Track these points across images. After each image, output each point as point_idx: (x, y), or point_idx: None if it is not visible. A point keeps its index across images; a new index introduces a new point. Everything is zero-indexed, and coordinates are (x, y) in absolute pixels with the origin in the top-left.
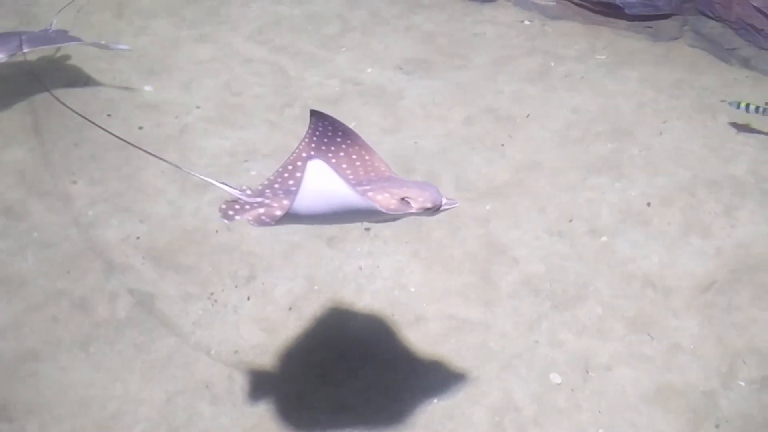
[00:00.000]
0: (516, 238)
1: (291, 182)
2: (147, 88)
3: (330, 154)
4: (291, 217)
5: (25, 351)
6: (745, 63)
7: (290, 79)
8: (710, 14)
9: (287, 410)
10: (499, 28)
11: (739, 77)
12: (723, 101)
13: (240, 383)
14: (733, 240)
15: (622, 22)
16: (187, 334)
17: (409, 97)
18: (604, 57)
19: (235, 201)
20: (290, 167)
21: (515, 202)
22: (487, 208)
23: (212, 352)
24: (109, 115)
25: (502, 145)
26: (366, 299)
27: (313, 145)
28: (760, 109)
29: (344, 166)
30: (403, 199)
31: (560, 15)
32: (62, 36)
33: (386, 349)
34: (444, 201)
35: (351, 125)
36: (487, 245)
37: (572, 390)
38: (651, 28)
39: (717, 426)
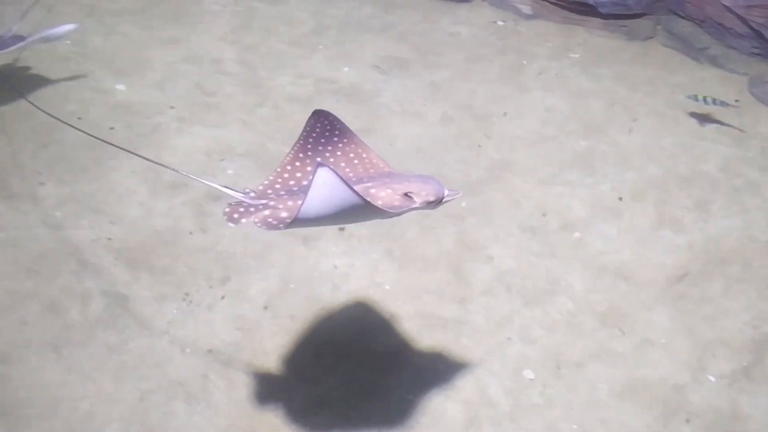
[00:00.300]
0: (490, 235)
1: (292, 182)
2: (119, 87)
3: (327, 153)
4: (299, 221)
5: None
6: (714, 61)
7: (263, 78)
8: (681, 14)
9: (263, 409)
10: (474, 28)
11: (708, 75)
12: (687, 97)
13: (215, 382)
14: (705, 234)
15: (597, 22)
16: (160, 334)
17: (384, 95)
18: (578, 56)
19: (240, 204)
20: (289, 167)
21: (490, 199)
22: (462, 205)
23: (187, 350)
24: (79, 118)
25: (479, 145)
26: (341, 298)
27: (309, 145)
28: (717, 101)
29: (342, 164)
30: (406, 194)
31: (535, 14)
32: (8, 41)
33: (362, 346)
34: (446, 192)
35: None
36: (460, 243)
37: (545, 386)
38: (626, 27)
39: (687, 420)
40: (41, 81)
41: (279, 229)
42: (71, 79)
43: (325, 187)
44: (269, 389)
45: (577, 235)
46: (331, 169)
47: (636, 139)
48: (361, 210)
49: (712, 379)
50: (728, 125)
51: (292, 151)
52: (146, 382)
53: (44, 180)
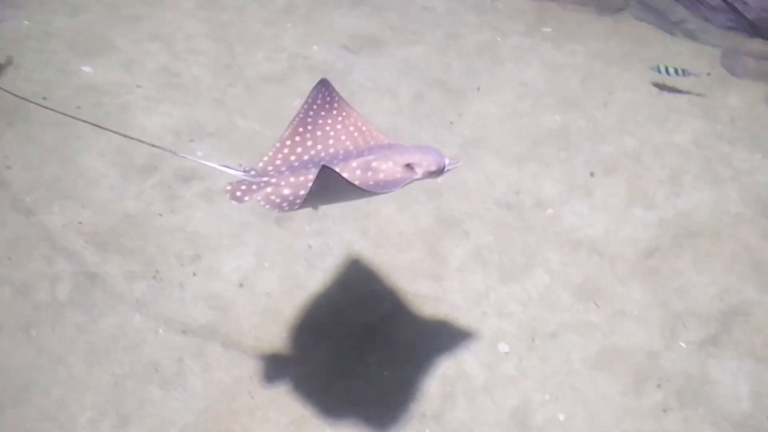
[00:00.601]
0: (466, 210)
1: (293, 158)
2: (85, 68)
3: (327, 127)
4: (302, 205)
5: None
6: (690, 35)
7: (234, 56)
8: None
9: (239, 391)
10: (449, 3)
11: (683, 48)
12: (651, 69)
13: (190, 365)
14: (676, 208)
15: None
16: (131, 313)
17: (357, 73)
18: (550, 30)
19: (241, 182)
20: (289, 142)
21: (466, 175)
22: (438, 181)
23: (159, 331)
24: (44, 98)
25: (451, 123)
26: (318, 276)
27: (309, 118)
28: (679, 71)
29: (343, 137)
30: (407, 165)
31: None
32: None
33: (339, 324)
34: (447, 162)
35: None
36: (437, 219)
37: (519, 358)
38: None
39: (658, 385)
40: (1, 61)
41: (283, 209)
42: (35, 60)
43: (328, 185)
44: (245, 372)
45: (550, 211)
46: (331, 168)
47: (611, 113)
48: (365, 194)
49: (684, 345)
50: (689, 93)
51: (292, 126)
52: (119, 366)
53: (10, 164)
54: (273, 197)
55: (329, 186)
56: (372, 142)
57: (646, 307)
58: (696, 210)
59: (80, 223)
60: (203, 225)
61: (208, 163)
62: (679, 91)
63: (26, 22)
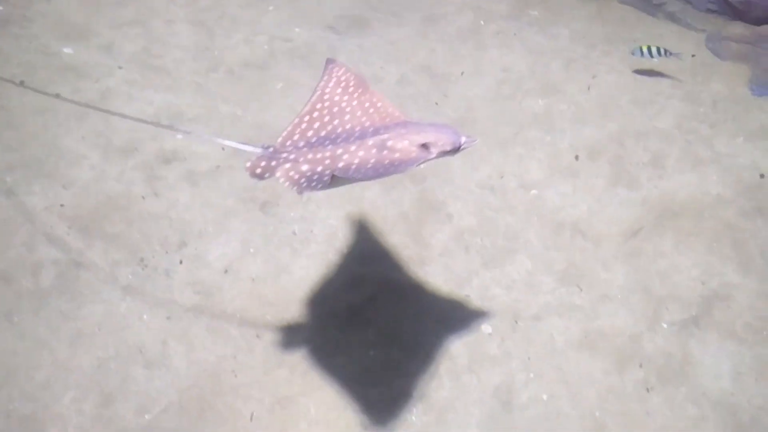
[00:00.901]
0: (449, 193)
1: (310, 133)
2: (66, 50)
3: (344, 104)
4: (322, 188)
5: None
6: (672, 17)
7: (215, 40)
8: None
9: (223, 370)
10: None
11: (666, 32)
12: (632, 52)
13: (174, 346)
14: (659, 189)
15: None
16: (117, 301)
17: (340, 56)
18: (536, 13)
19: (260, 159)
20: (307, 117)
21: (450, 159)
22: (422, 166)
23: (144, 317)
24: (22, 81)
25: (436, 103)
26: (302, 261)
27: (326, 95)
28: (661, 51)
29: (359, 113)
30: (422, 144)
31: None
32: None
33: (324, 307)
34: (463, 140)
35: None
36: (421, 202)
37: (502, 339)
38: None
39: (640, 365)
40: None
41: (301, 188)
42: (13, 42)
43: (342, 181)
44: (229, 351)
45: (534, 192)
46: (346, 169)
47: (594, 96)
48: (380, 176)
49: (665, 326)
50: (672, 78)
51: (309, 102)
52: (103, 349)
53: (11, 160)
54: (292, 173)
55: (344, 181)
56: (387, 120)
57: (629, 291)
58: (678, 191)
59: (62, 205)
60: (187, 210)
61: (228, 142)
62: (662, 75)
63: (1, 8)
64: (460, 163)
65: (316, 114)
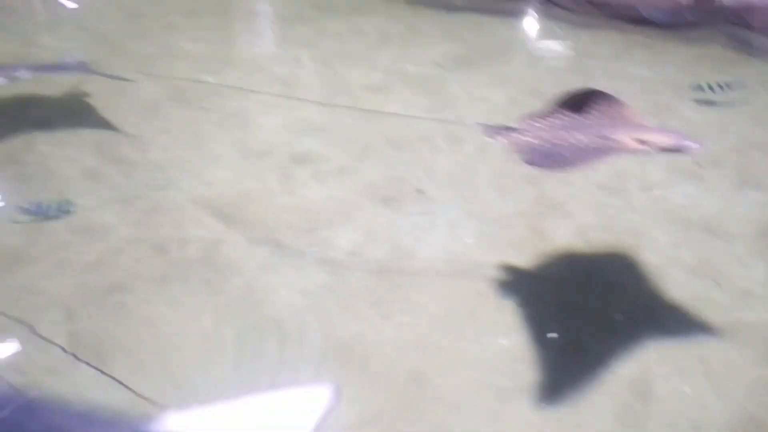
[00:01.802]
0: (568, 194)
1: (549, 124)
2: (209, 78)
3: (589, 110)
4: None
5: (111, 284)
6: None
7: (335, 73)
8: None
9: (351, 343)
10: (534, 33)
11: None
12: (692, 88)
13: (310, 321)
14: None
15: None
16: (256, 276)
17: (451, 85)
18: (638, 54)
19: (494, 127)
20: (550, 116)
21: None
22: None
23: (282, 292)
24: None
25: None
26: (424, 250)
27: (575, 105)
28: (722, 86)
29: (599, 115)
30: (639, 140)
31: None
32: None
33: (448, 288)
34: (686, 143)
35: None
36: (539, 202)
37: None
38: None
39: None
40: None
41: (525, 157)
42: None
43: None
44: (362, 326)
45: (657, 192)
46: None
47: (706, 116)
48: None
49: None
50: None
51: (556, 108)
52: (243, 321)
53: (147, 149)
54: (520, 142)
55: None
56: (623, 121)
57: None
58: None
59: (205, 197)
60: (316, 203)
61: (475, 122)
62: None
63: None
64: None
65: (560, 114)
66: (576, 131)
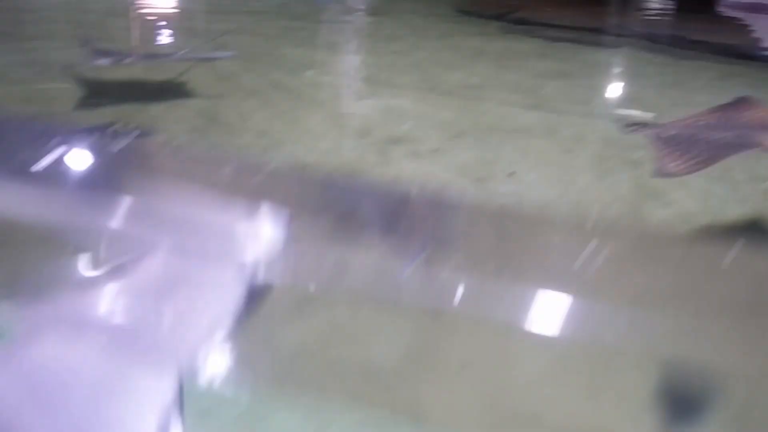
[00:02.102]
0: (670, 182)
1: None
2: (308, 72)
3: (735, 114)
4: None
5: None
6: None
7: (431, 76)
8: None
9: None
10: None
11: None
12: None
13: None
14: None
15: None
16: None
17: (547, 90)
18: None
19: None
20: (692, 119)
21: None
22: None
23: None
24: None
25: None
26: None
27: (724, 110)
28: None
29: (741, 119)
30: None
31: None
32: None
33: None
34: None
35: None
36: (638, 189)
37: None
38: None
39: None
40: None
41: (659, 142)
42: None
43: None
44: None
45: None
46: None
47: None
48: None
49: None
50: None
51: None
52: None
53: (251, 117)
54: (660, 134)
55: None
56: (756, 122)
57: None
58: None
59: (305, 165)
60: (411, 178)
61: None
62: None
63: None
64: None
65: (708, 117)
66: (716, 130)
